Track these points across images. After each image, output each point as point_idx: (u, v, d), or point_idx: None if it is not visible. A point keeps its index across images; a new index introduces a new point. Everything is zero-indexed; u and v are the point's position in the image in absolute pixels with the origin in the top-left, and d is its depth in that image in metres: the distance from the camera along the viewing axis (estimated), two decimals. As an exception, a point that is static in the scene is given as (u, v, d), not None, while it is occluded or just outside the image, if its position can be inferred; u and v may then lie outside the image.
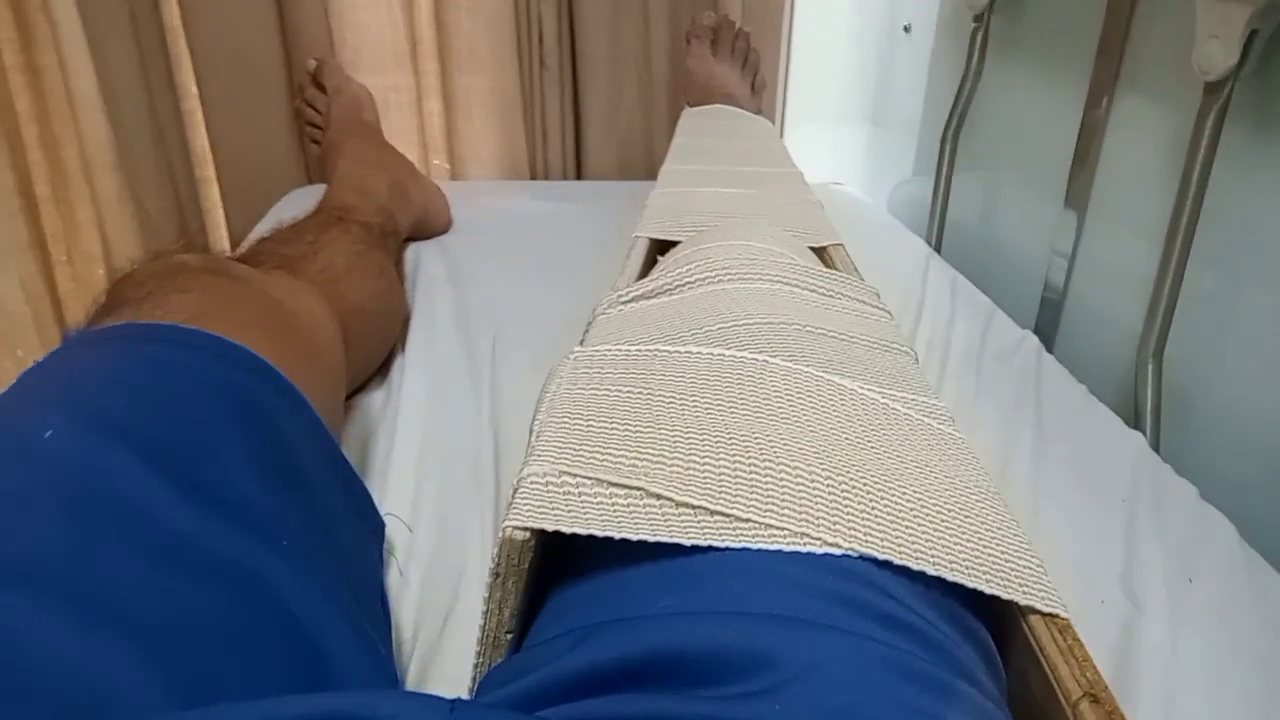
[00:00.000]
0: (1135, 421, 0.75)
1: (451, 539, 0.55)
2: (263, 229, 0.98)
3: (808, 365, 0.43)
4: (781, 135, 1.37)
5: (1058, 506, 0.63)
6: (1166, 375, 0.76)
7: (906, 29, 1.22)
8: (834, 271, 0.57)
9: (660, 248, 0.67)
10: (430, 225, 1.05)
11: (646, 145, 1.23)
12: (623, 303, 0.52)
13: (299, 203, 1.05)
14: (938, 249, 1.09)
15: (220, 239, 1.23)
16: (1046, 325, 0.92)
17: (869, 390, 0.42)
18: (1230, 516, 0.62)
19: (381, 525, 0.53)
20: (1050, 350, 0.85)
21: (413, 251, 0.99)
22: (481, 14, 1.15)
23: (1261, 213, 0.68)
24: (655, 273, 0.56)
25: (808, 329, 0.47)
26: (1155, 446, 0.73)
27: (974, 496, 0.36)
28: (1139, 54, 0.80)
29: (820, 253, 0.68)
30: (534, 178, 1.26)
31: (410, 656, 0.47)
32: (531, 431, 0.40)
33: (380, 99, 1.16)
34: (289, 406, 0.47)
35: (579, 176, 1.26)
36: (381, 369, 0.75)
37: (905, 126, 1.23)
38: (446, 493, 0.59)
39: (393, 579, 0.52)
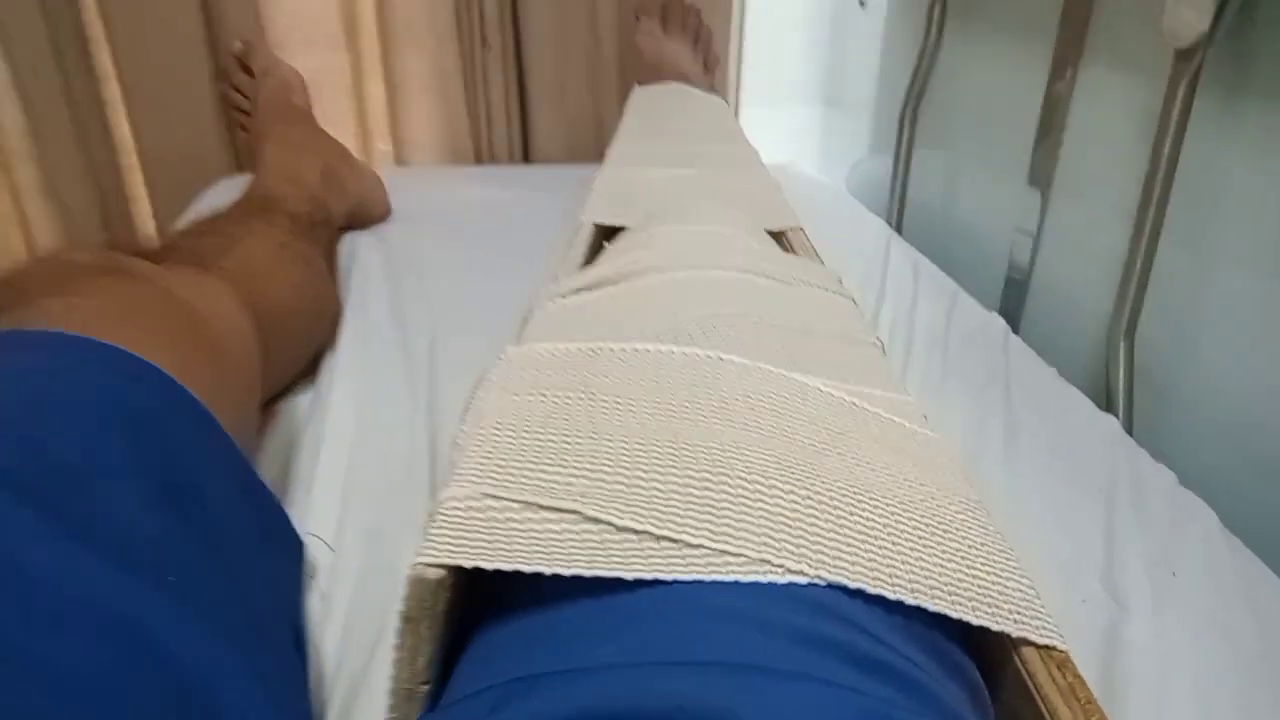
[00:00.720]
0: (1107, 404, 0.72)
1: (381, 559, 0.50)
2: (186, 221, 0.92)
3: (767, 362, 0.38)
4: (736, 117, 1.32)
5: (1033, 497, 0.59)
6: (1138, 356, 0.73)
7: (862, 3, 1.18)
8: (793, 257, 0.52)
9: (606, 234, 0.62)
10: (367, 213, 0.99)
11: (596, 127, 1.17)
12: (563, 295, 0.47)
13: (228, 193, 0.98)
14: (898, 229, 1.05)
15: (149, 231, 1.16)
16: (1011, 306, 0.89)
17: (834, 388, 0.38)
18: (1208, 501, 0.59)
19: (300, 546, 0.48)
20: (1016, 332, 0.82)
21: (348, 242, 0.93)
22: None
23: (1234, 186, 0.65)
24: (600, 262, 0.51)
25: (765, 320, 0.43)
26: (1128, 429, 0.70)
27: (953, 508, 0.32)
28: (1105, 21, 0.77)
29: (778, 237, 0.64)
30: (479, 162, 1.20)
31: (333, 692, 0.42)
32: (455, 445, 0.35)
33: (313, 81, 1.10)
34: (187, 420, 0.41)
35: (526, 160, 1.21)
36: (309, 370, 0.70)
37: (861, 106, 1.19)
38: (376, 507, 0.54)
39: (314, 606, 0.47)
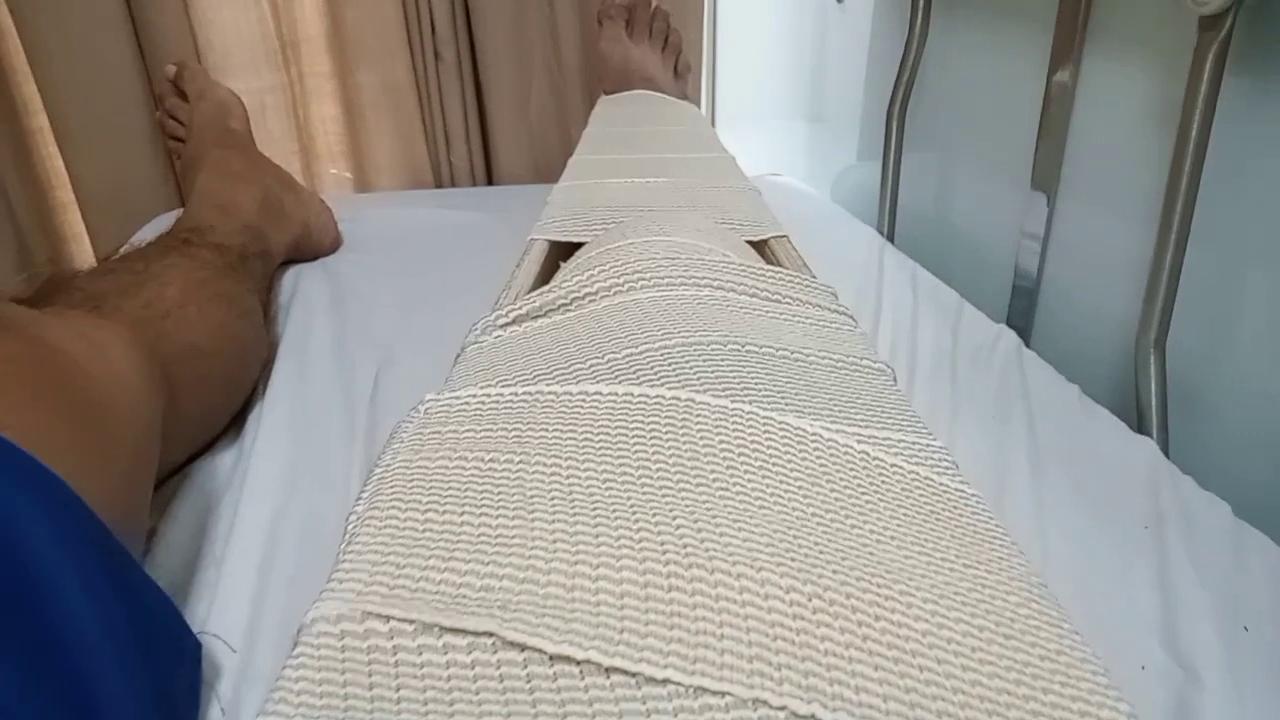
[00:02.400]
0: (1139, 424, 0.64)
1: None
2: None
3: (751, 402, 0.30)
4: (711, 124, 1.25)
5: (1068, 540, 0.51)
6: (1170, 368, 0.65)
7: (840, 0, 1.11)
8: (779, 270, 0.44)
9: (564, 254, 0.54)
10: (314, 244, 0.91)
11: (562, 142, 1.10)
12: (501, 325, 0.38)
13: (164, 228, 0.90)
14: (890, 239, 0.97)
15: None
16: (1019, 317, 0.81)
17: (839, 433, 0.29)
18: (1261, 529, 0.51)
19: (195, 648, 0.39)
20: (1028, 345, 0.74)
21: (291, 276, 0.85)
22: (364, 2, 1.01)
23: (1268, 176, 0.57)
24: (551, 284, 0.43)
25: (749, 348, 0.34)
26: (1164, 451, 0.62)
27: (1013, 599, 0.23)
28: (1110, 1, 0.70)
29: (760, 248, 0.55)
30: (439, 185, 1.12)
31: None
32: (345, 532, 0.27)
33: (255, 104, 1.01)
34: (35, 500, 0.33)
35: (490, 182, 1.13)
36: (235, 421, 0.61)
37: (845, 117, 1.12)
38: (299, 590, 0.45)
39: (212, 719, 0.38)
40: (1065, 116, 0.76)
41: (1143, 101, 0.68)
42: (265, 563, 0.47)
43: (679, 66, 1.03)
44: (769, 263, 0.54)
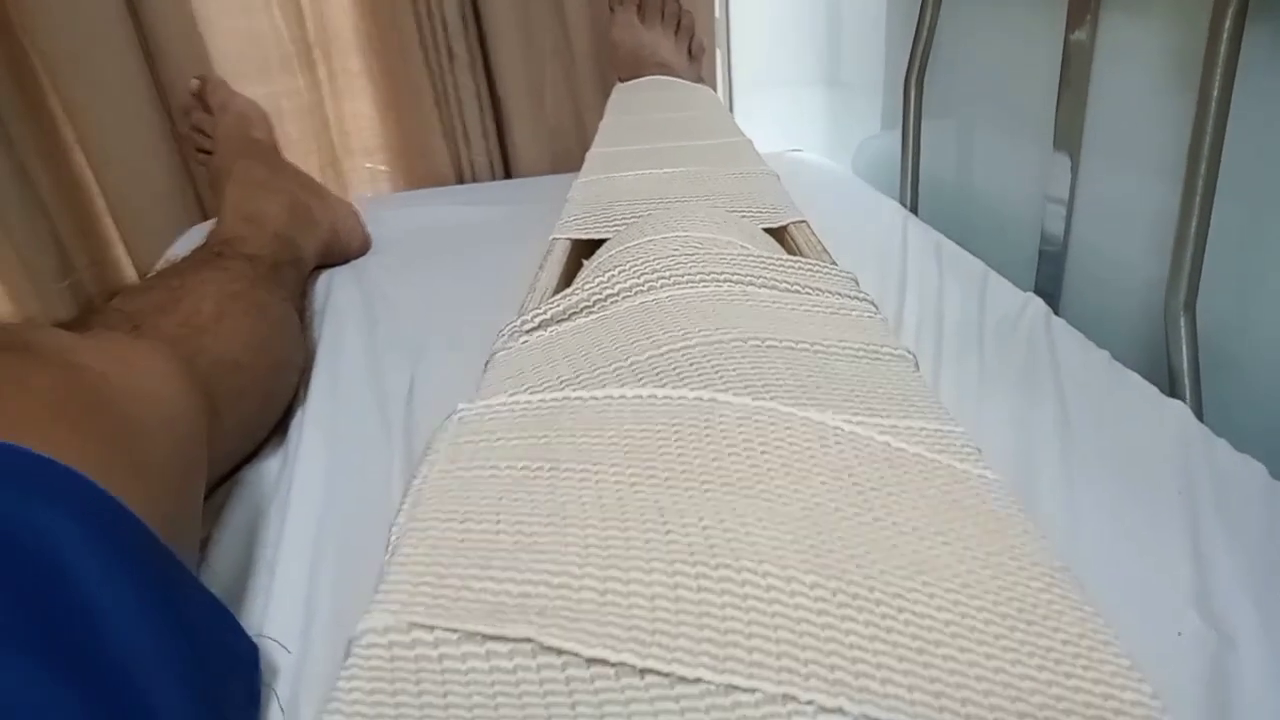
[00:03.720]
0: (1170, 388, 0.63)
1: (349, 656, 0.42)
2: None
3: (773, 398, 0.31)
4: (729, 107, 1.25)
5: (1099, 507, 0.51)
6: (1200, 330, 0.64)
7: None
8: (798, 259, 0.45)
9: (586, 251, 0.55)
10: (343, 247, 0.93)
11: (578, 132, 1.10)
12: (527, 330, 0.39)
13: (197, 240, 0.92)
14: (914, 209, 0.97)
15: (130, 277, 1.11)
16: (1048, 283, 0.80)
17: (860, 425, 0.30)
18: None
19: (252, 651, 0.41)
20: (1056, 312, 0.73)
21: (324, 281, 0.87)
22: (370, 2, 1.02)
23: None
24: (573, 286, 0.44)
25: (770, 343, 0.35)
26: (1198, 414, 0.61)
27: (1035, 584, 0.24)
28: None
29: (779, 235, 0.56)
30: (460, 181, 1.13)
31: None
32: (388, 543, 0.28)
33: (272, 108, 1.03)
34: (81, 516, 0.34)
35: (508, 175, 1.14)
36: (279, 428, 0.63)
37: (866, 81, 1.11)
38: (345, 588, 0.47)
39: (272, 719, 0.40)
40: (1085, 75, 0.75)
41: (1163, 55, 0.67)
42: (314, 565, 0.49)
43: (693, 49, 1.03)
44: (788, 249, 0.54)
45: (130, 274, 1.10)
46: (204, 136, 1.03)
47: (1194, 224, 0.62)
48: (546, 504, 0.27)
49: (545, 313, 0.40)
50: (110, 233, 1.08)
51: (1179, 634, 0.43)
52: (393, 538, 0.28)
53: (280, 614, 0.46)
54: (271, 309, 0.67)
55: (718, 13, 1.17)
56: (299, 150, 1.06)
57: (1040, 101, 0.78)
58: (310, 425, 0.61)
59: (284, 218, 0.84)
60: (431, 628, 0.23)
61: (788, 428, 0.29)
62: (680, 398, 0.31)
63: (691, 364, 0.33)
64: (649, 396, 0.31)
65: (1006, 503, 0.28)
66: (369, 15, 1.04)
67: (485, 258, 0.90)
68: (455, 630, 0.23)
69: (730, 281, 0.39)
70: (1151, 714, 0.21)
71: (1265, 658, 0.41)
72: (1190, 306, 0.63)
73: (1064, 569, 0.25)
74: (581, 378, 0.34)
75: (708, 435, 0.29)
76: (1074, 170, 0.77)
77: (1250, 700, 0.39)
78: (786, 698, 0.20)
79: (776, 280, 0.41)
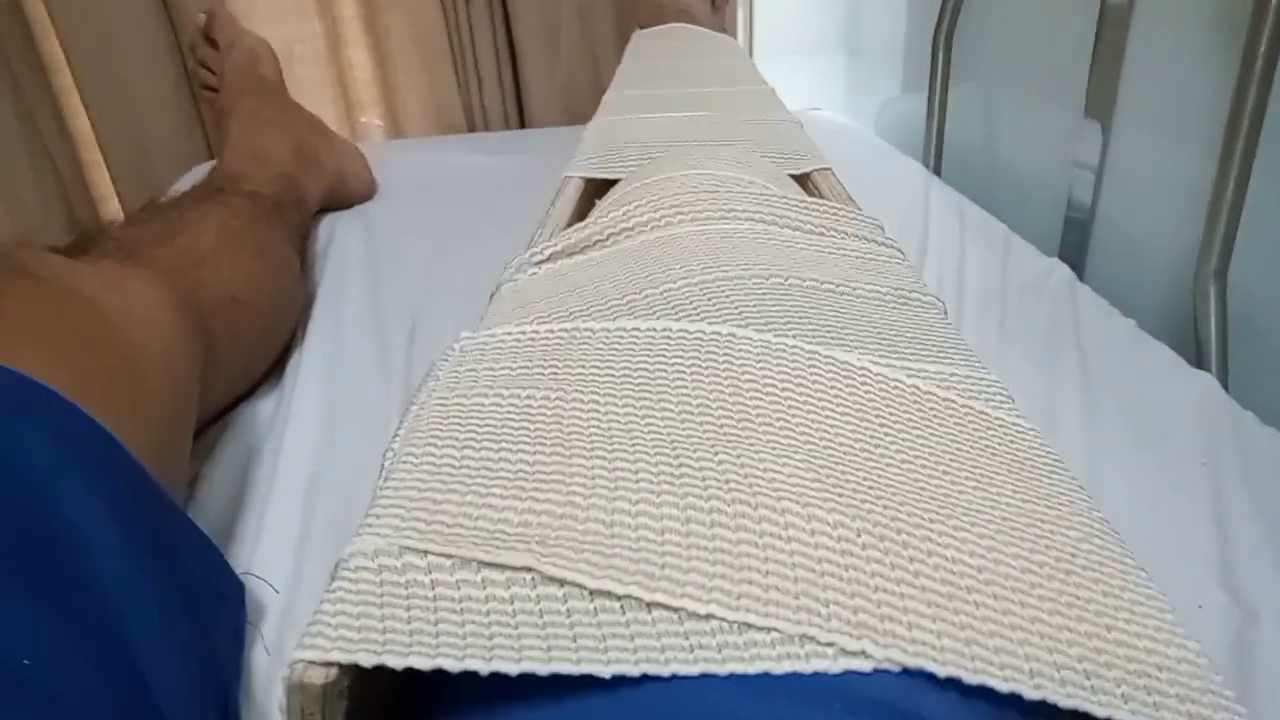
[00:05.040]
0: (1197, 359, 0.62)
1: (339, 597, 0.41)
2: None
3: (795, 336, 0.29)
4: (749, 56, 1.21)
5: (1122, 476, 0.49)
6: (1230, 301, 0.62)
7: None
8: (823, 202, 0.43)
9: (599, 191, 0.53)
10: (349, 192, 0.91)
11: (594, 83, 1.07)
12: (535, 264, 0.38)
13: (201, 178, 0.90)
14: (936, 171, 0.94)
15: (117, 226, 1.09)
16: (1073, 250, 0.78)
17: (888, 367, 0.28)
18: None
19: (238, 588, 0.40)
20: (1081, 279, 0.71)
21: (327, 224, 0.85)
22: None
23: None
24: (586, 221, 0.42)
25: (792, 281, 0.33)
26: (1224, 386, 0.59)
27: (1073, 534, 0.22)
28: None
29: (803, 182, 0.54)
30: (472, 130, 1.11)
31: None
32: (382, 469, 0.26)
33: (284, 52, 1.00)
34: (69, 442, 0.33)
35: (522, 125, 1.11)
36: (274, 369, 0.61)
37: (887, 47, 1.08)
38: (339, 530, 0.45)
39: (258, 661, 0.39)
40: (1121, 39, 0.72)
41: (1204, 20, 0.64)
42: (307, 507, 0.48)
43: (716, -1, 1.00)
44: (812, 197, 0.52)
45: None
46: (209, 73, 1.00)
47: (1230, 192, 0.59)
48: (552, 432, 0.25)
49: (556, 245, 0.38)
50: (100, 187, 1.06)
51: (1200, 606, 0.41)
52: (386, 463, 0.26)
53: (269, 555, 0.45)
54: (272, 247, 0.65)
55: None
56: (312, 97, 1.04)
57: (1073, 65, 0.76)
58: (308, 366, 0.60)
59: (289, 157, 0.82)
60: (425, 553, 0.21)
61: (810, 365, 0.27)
62: (697, 332, 0.29)
63: (709, 299, 0.31)
64: (664, 330, 0.29)
65: (1042, 451, 0.26)
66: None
67: (495, 206, 0.88)
68: (450, 556, 0.21)
69: (752, 220, 0.37)
70: (1199, 671, 0.19)
71: (1289, 633, 0.39)
72: (1221, 276, 0.61)
73: (1104, 520, 0.23)
74: (593, 309, 0.32)
75: (726, 370, 0.27)
76: (1105, 137, 0.75)
77: (1274, 674, 0.37)
78: (805, 639, 0.18)
79: (800, 221, 0.39)
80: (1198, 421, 0.54)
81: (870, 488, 0.23)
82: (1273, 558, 0.43)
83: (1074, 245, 0.78)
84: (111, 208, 1.05)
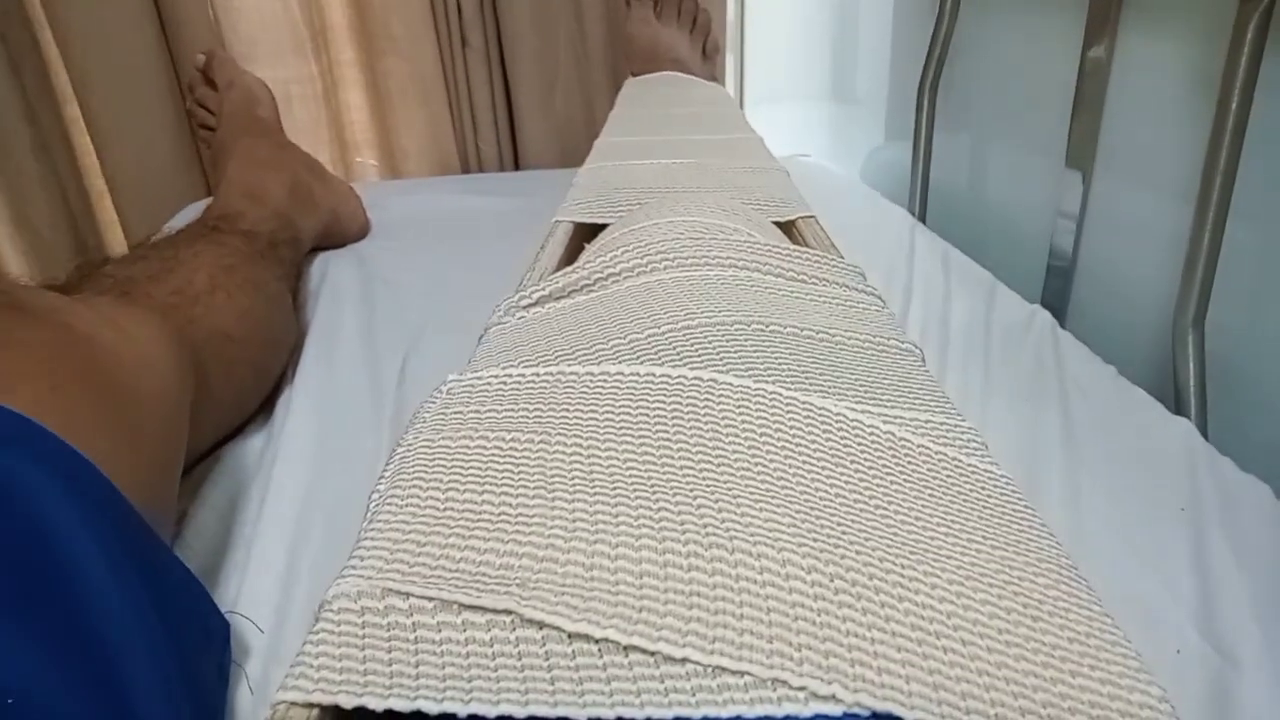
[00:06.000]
0: (1176, 405, 0.62)
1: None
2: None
3: (775, 382, 0.30)
4: (739, 105, 1.24)
5: (1102, 522, 0.50)
6: (1208, 348, 0.63)
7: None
8: (805, 250, 0.44)
9: (589, 236, 0.54)
10: (342, 231, 0.92)
11: (588, 126, 1.09)
12: (524, 306, 0.38)
13: (196, 216, 0.91)
14: (922, 218, 0.96)
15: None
16: (1056, 297, 0.80)
17: (865, 413, 0.29)
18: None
19: (223, 628, 0.40)
20: (1063, 326, 0.72)
21: (320, 263, 0.86)
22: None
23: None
24: (574, 265, 0.43)
25: (773, 328, 0.34)
26: (1203, 433, 0.60)
27: (1041, 580, 0.23)
28: (1148, -31, 0.68)
29: (788, 229, 0.55)
30: (466, 171, 1.12)
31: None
32: (367, 510, 0.27)
33: (281, 93, 1.02)
34: (61, 480, 0.33)
35: (517, 167, 1.13)
36: (265, 406, 0.62)
37: (873, 96, 1.10)
38: (325, 569, 0.46)
39: (242, 701, 0.39)
40: (1101, 93, 0.74)
41: (1180, 76, 0.66)
42: (294, 545, 0.48)
43: (707, 47, 1.02)
44: (796, 244, 0.53)
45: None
46: (207, 113, 1.02)
47: (1206, 242, 0.61)
48: (535, 476, 0.26)
49: (544, 289, 0.39)
50: (107, 214, 1.07)
51: (1178, 651, 0.42)
52: (372, 505, 0.27)
53: (255, 593, 0.45)
54: (266, 285, 0.65)
55: (731, 14, 1.16)
56: (308, 137, 1.06)
57: (1054, 117, 0.78)
58: (298, 404, 0.60)
59: (284, 196, 0.83)
60: (407, 595, 0.22)
61: (789, 411, 0.28)
62: (679, 377, 0.30)
63: (692, 344, 0.32)
64: (647, 375, 0.30)
65: (1014, 498, 0.26)
66: (384, 0, 1.03)
67: (488, 247, 0.89)
68: (431, 599, 0.21)
69: (736, 267, 0.38)
70: (1160, 716, 0.20)
71: (1269, 680, 0.39)
72: (1199, 324, 0.62)
73: (1072, 567, 0.24)
74: (578, 353, 0.33)
75: (706, 416, 0.28)
76: (1085, 187, 0.76)
77: (1250, 718, 0.37)
78: (777, 683, 0.19)
79: (783, 269, 0.39)
80: (1178, 467, 0.54)
81: (844, 533, 0.23)
82: (1250, 602, 0.44)
83: (1056, 292, 0.79)
84: (116, 235, 1.06)
